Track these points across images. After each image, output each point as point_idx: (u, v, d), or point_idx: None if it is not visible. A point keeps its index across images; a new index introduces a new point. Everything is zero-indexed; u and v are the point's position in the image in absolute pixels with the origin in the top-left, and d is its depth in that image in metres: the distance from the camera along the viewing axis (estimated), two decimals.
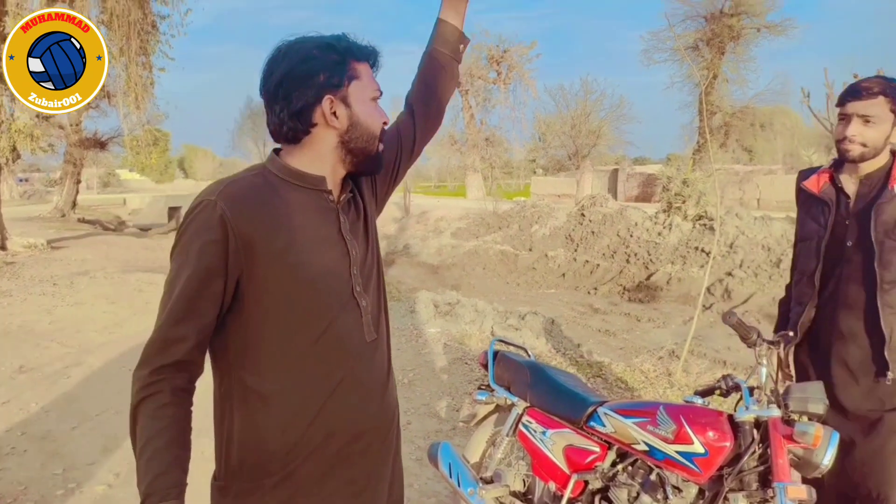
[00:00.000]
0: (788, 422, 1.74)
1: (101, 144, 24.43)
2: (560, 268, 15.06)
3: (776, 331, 2.28)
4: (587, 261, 15.04)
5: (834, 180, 2.12)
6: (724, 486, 1.74)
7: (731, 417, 1.81)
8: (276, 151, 1.29)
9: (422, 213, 20.77)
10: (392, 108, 1.48)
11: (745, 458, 1.72)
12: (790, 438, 1.70)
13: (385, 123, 1.31)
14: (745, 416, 1.76)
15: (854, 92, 2.01)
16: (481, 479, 2.38)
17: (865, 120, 1.98)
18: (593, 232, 15.80)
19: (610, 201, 17.46)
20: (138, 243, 15.36)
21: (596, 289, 13.81)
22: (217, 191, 1.17)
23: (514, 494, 2.33)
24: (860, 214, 2.02)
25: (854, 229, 2.02)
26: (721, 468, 1.77)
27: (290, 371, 1.20)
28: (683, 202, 15.12)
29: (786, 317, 2.30)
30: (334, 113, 1.23)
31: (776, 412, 1.73)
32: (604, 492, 2.05)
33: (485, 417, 2.62)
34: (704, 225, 13.94)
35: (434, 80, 1.53)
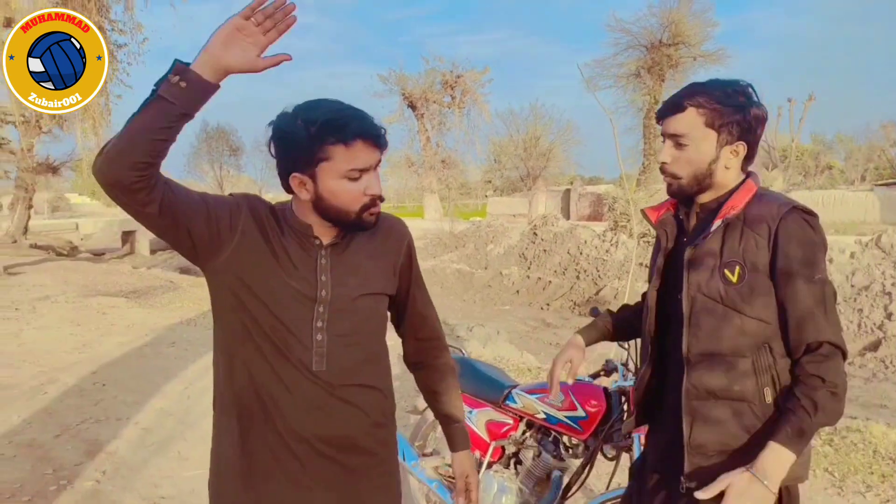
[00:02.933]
0: None
1: (54, 169, 24.23)
2: (514, 285, 15.72)
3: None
4: (540, 278, 15.73)
5: (677, 210, 1.65)
6: (600, 439, 2.29)
7: (605, 389, 2.36)
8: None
9: None
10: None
11: (614, 417, 2.28)
12: None
13: (371, 196, 1.34)
14: (615, 388, 2.32)
15: (663, 106, 1.57)
16: (423, 454, 2.88)
17: (677, 142, 1.53)
18: (545, 250, 16.53)
19: (561, 220, 18.23)
20: (95, 268, 15.38)
21: (548, 304, 14.49)
22: (252, 196, 1.41)
23: (449, 465, 2.83)
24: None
25: (682, 278, 1.54)
26: (598, 427, 2.32)
27: (248, 367, 1.36)
28: (628, 221, 15.94)
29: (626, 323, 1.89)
30: (304, 185, 1.33)
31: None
32: (516, 454, 2.59)
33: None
34: (648, 242, 14.74)
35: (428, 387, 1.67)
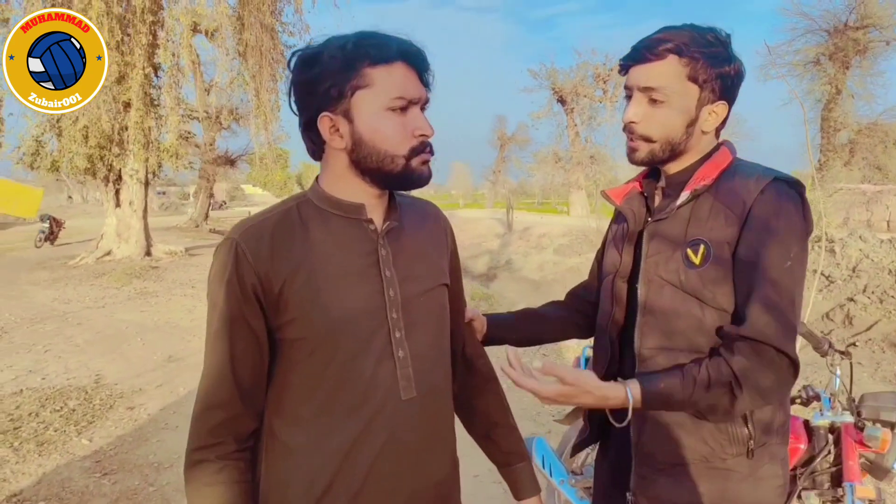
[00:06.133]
0: (861, 428, 1.87)
1: (231, 162, 26.68)
2: None
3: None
4: None
5: (644, 188, 1.40)
6: (798, 484, 1.89)
7: (806, 422, 1.95)
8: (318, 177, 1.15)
9: (524, 229, 21.00)
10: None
11: (819, 459, 1.87)
12: (861, 443, 1.83)
13: (422, 137, 1.07)
14: (820, 422, 1.91)
15: (633, 51, 1.28)
16: (571, 471, 2.62)
17: (651, 97, 1.25)
18: None
19: None
20: None
21: None
22: (240, 229, 1.07)
23: None
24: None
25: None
26: (795, 468, 1.92)
27: (313, 426, 1.07)
28: None
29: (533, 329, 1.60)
30: (336, 130, 1.05)
31: (849, 418, 1.87)
32: None
33: (576, 416, 2.86)
34: (826, 248, 13.22)
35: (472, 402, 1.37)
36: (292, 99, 1.08)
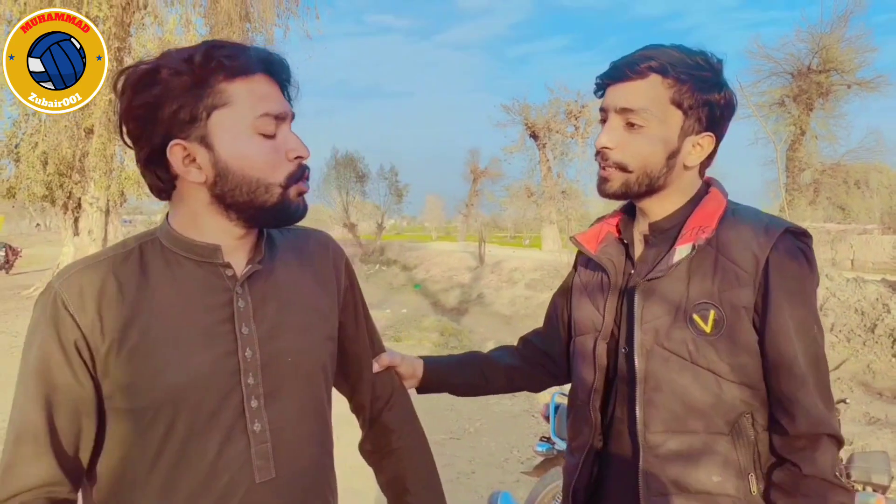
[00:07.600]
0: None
1: None
2: None
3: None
4: None
5: (621, 233, 1.23)
6: None
7: None
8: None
9: (496, 263, 20.92)
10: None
11: None
12: None
13: (298, 159, 0.93)
14: None
15: (614, 68, 1.13)
16: None
17: (628, 120, 1.10)
18: None
19: None
20: None
21: None
22: (64, 275, 0.90)
23: None
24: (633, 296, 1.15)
25: (626, 323, 1.16)
26: None
27: None
28: None
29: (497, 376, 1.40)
30: (192, 160, 0.89)
31: None
32: None
33: (546, 469, 2.67)
34: None
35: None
36: (124, 130, 0.92)
